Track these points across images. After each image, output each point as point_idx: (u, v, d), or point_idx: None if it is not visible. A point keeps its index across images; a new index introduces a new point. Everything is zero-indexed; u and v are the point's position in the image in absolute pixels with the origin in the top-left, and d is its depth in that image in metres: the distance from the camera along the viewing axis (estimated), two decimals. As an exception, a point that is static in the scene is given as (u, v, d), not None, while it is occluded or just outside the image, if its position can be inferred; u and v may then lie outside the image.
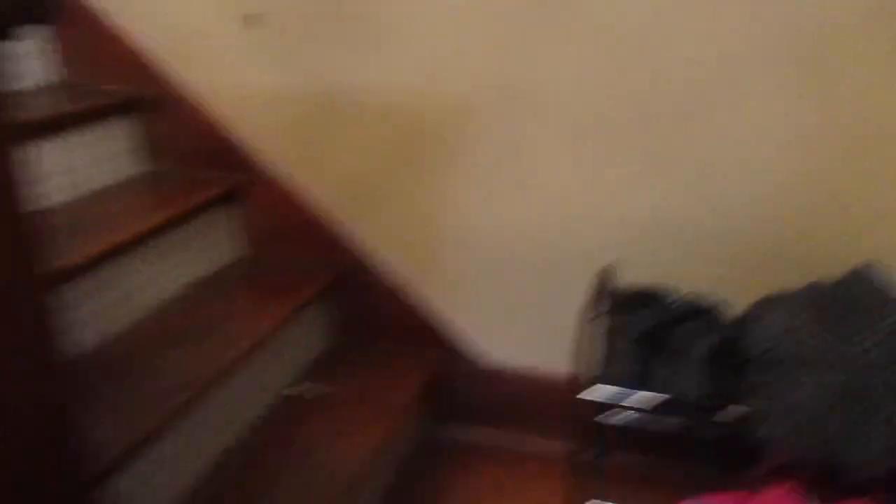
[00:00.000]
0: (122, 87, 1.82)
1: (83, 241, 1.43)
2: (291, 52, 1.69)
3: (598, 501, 1.49)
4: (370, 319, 1.85)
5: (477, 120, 1.60)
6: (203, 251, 1.75)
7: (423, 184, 1.69)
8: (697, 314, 1.40)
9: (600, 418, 1.37)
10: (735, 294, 1.45)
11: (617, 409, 1.35)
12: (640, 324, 1.38)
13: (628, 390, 1.33)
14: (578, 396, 1.35)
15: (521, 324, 1.75)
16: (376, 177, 1.73)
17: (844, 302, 1.27)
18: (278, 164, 1.80)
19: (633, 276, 1.58)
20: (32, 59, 1.81)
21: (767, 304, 1.34)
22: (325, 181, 1.78)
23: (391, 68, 1.62)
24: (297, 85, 1.71)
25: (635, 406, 1.32)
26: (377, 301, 1.82)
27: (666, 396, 1.31)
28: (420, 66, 1.60)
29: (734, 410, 1.26)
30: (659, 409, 1.31)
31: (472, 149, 1.63)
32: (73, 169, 1.66)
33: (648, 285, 1.52)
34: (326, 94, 1.69)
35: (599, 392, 1.34)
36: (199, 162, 1.83)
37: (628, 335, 1.38)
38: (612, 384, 1.34)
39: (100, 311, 1.46)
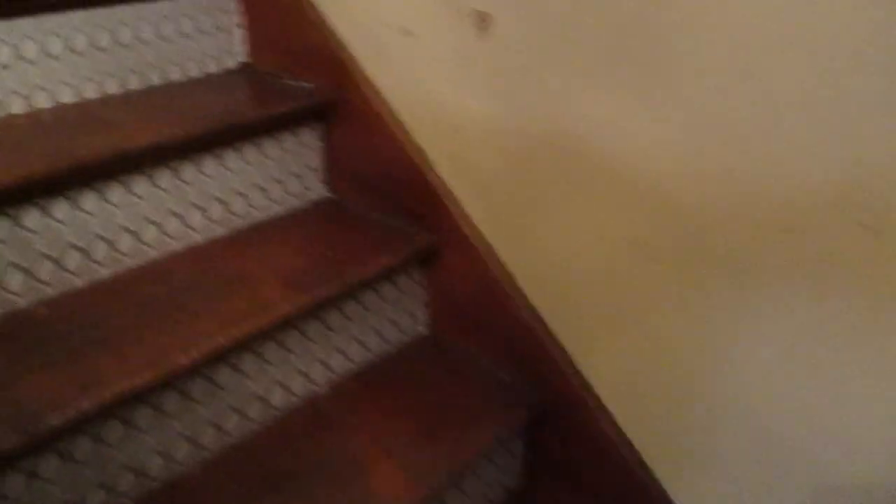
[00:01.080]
0: (311, 82, 1.37)
1: (207, 318, 1.01)
2: (522, 77, 1.10)
3: None
4: (569, 469, 1.27)
5: (809, 248, 0.92)
6: (364, 332, 1.27)
7: (686, 315, 1.05)
8: None
9: None
10: None
11: None
12: None
13: None
14: None
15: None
16: (607, 282, 1.11)
17: None
18: (477, 222, 1.25)
19: None
20: (208, 34, 1.41)
21: None
22: (532, 264, 1.20)
23: (670, 126, 0.98)
24: (519, 122, 1.13)
25: None
26: (582, 448, 1.23)
27: None
28: (723, 136, 0.94)
29: None
30: None
31: (781, 290, 0.95)
32: (234, 193, 1.26)
33: None
34: (558, 142, 1.09)
35: None
36: (382, 197, 1.34)
37: None
38: None
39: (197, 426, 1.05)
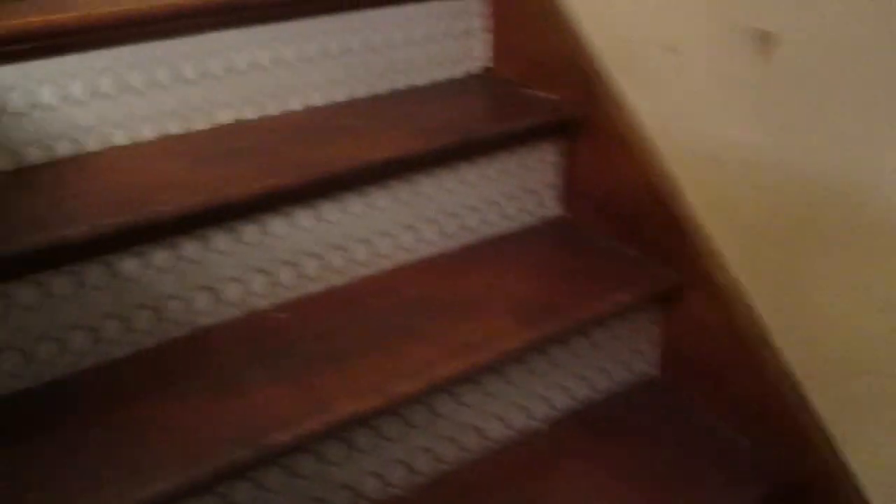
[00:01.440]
0: (555, 94, 1.30)
1: (434, 344, 0.99)
2: (807, 113, 0.95)
3: None
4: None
5: None
6: (590, 370, 1.19)
7: None
8: None
9: None
10: None
11: None
12: None
13: None
14: None
15: None
16: (893, 358, 0.94)
17: None
18: (730, 265, 1.11)
19: None
20: (452, 38, 1.38)
21: None
22: (795, 321, 1.04)
23: None
24: (796, 163, 0.97)
25: None
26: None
27: None
28: None
29: None
30: None
31: None
32: (469, 207, 1.24)
33: None
34: (848, 193, 0.93)
35: None
36: (622, 224, 1.24)
37: None
38: None
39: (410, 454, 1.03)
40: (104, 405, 0.93)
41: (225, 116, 1.21)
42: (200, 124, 1.19)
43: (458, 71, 1.41)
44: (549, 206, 1.33)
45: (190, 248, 1.02)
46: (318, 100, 1.28)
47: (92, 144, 1.13)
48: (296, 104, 1.27)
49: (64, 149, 1.11)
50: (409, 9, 1.32)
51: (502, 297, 1.10)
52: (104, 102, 1.11)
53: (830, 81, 0.91)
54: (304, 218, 1.09)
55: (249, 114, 1.23)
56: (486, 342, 1.01)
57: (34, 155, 1.10)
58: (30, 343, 0.95)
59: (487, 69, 1.44)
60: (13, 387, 0.95)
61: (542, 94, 1.32)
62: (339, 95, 1.30)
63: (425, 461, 1.05)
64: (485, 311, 1.07)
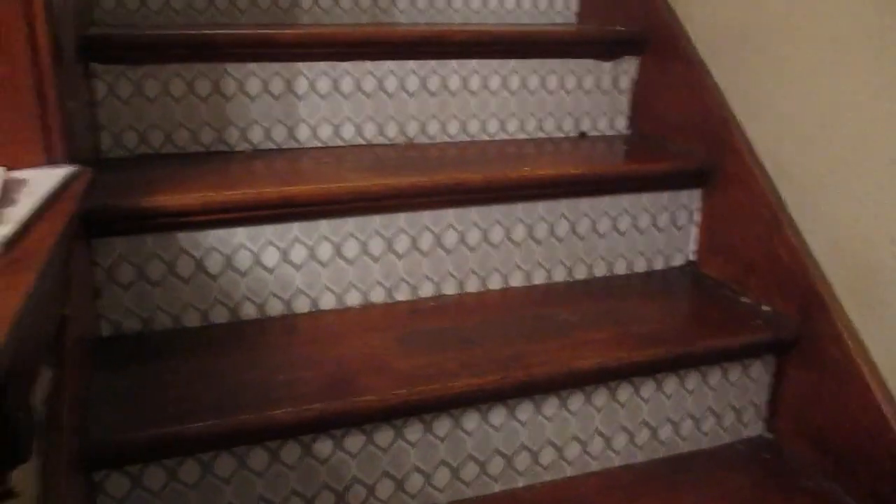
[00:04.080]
0: (770, 305, 1.22)
1: None
2: None
3: None
4: None
5: None
6: None
7: None
8: None
9: None
10: None
11: None
12: None
13: None
14: None
15: None
16: None
17: None
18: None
19: None
20: (662, 231, 1.34)
21: None
22: None
23: None
24: None
25: None
26: None
27: None
28: None
29: None
30: None
31: None
32: (665, 419, 1.16)
33: None
34: None
35: None
36: (839, 462, 1.12)
37: None
38: None
39: None
40: None
41: (426, 290, 1.22)
42: (402, 295, 1.20)
43: (659, 263, 1.36)
44: (752, 426, 1.22)
45: (382, 436, 1.00)
46: (516, 281, 1.27)
47: (300, 306, 1.15)
48: (494, 284, 1.26)
49: (274, 308, 1.14)
50: (623, 199, 1.30)
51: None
52: (318, 268, 1.15)
53: None
54: (496, 416, 1.05)
55: (448, 290, 1.23)
56: None
57: (248, 310, 1.13)
58: (218, 514, 0.94)
59: (692, 263, 1.38)
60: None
61: (753, 302, 1.24)
62: (538, 278, 1.28)
63: None
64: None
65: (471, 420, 1.04)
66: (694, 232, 1.37)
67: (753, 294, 1.25)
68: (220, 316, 1.13)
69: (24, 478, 0.59)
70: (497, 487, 1.08)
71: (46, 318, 0.69)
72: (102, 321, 1.08)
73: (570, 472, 1.12)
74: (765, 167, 1.24)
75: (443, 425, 1.02)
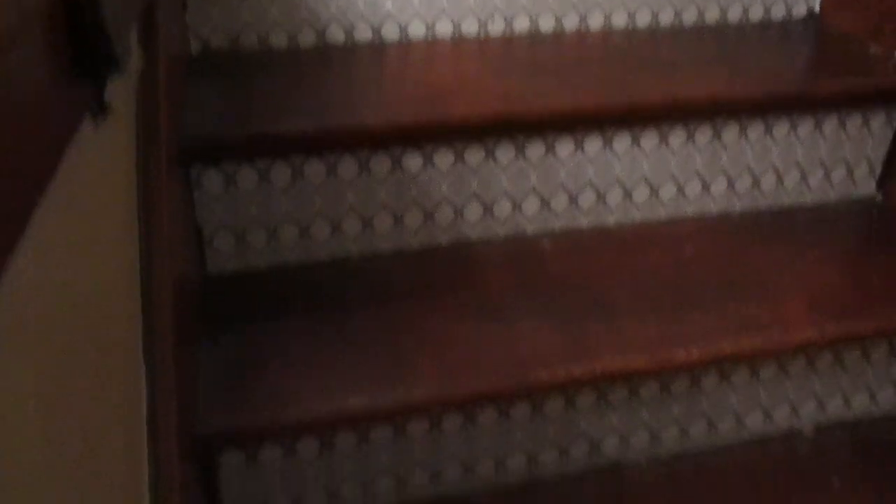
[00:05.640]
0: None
1: (714, 314, 0.89)
2: None
3: None
4: None
5: None
6: (879, 383, 1.02)
7: None
8: None
9: None
10: None
11: None
12: None
13: None
14: None
15: None
16: None
17: None
18: None
19: None
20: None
21: None
22: None
23: None
24: None
25: None
26: None
27: None
28: None
29: None
30: None
31: None
32: (770, 168, 1.09)
33: None
34: None
35: None
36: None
37: None
38: None
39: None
40: (366, 298, 0.92)
41: (520, 24, 1.14)
42: (496, 28, 1.13)
43: (779, 10, 1.23)
44: (862, 185, 1.14)
45: (473, 155, 0.97)
46: (618, 20, 1.17)
47: (389, 32, 1.10)
48: (595, 22, 1.17)
49: (363, 33, 1.09)
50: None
51: (798, 280, 0.96)
52: (408, -9, 1.08)
53: None
54: (591, 145, 1.00)
55: (545, 25, 1.15)
56: (778, 326, 0.89)
57: (335, 35, 1.09)
58: (309, 219, 0.95)
59: (815, 14, 1.24)
60: (293, 259, 0.97)
61: (885, 50, 1.12)
62: (643, 20, 1.18)
63: (672, 435, 0.96)
64: (778, 292, 0.94)
65: (565, 147, 0.99)
66: (823, -22, 1.22)
67: (887, 42, 1.13)
68: (307, 38, 1.08)
69: (121, 96, 0.58)
70: (586, 221, 1.05)
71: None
72: (192, 38, 1.05)
73: (662, 214, 1.08)
74: None
75: (536, 149, 0.98)
